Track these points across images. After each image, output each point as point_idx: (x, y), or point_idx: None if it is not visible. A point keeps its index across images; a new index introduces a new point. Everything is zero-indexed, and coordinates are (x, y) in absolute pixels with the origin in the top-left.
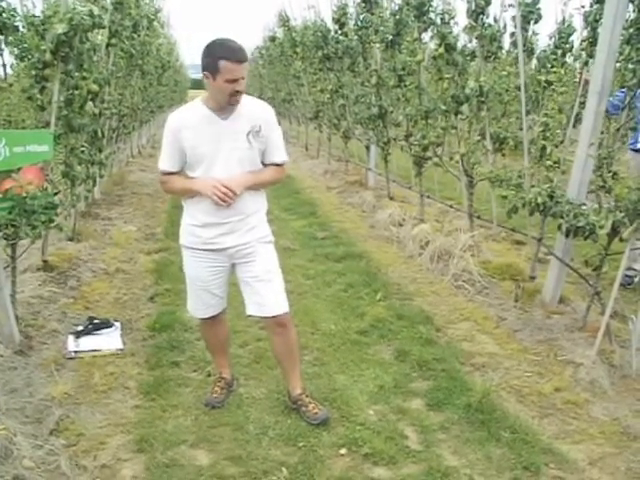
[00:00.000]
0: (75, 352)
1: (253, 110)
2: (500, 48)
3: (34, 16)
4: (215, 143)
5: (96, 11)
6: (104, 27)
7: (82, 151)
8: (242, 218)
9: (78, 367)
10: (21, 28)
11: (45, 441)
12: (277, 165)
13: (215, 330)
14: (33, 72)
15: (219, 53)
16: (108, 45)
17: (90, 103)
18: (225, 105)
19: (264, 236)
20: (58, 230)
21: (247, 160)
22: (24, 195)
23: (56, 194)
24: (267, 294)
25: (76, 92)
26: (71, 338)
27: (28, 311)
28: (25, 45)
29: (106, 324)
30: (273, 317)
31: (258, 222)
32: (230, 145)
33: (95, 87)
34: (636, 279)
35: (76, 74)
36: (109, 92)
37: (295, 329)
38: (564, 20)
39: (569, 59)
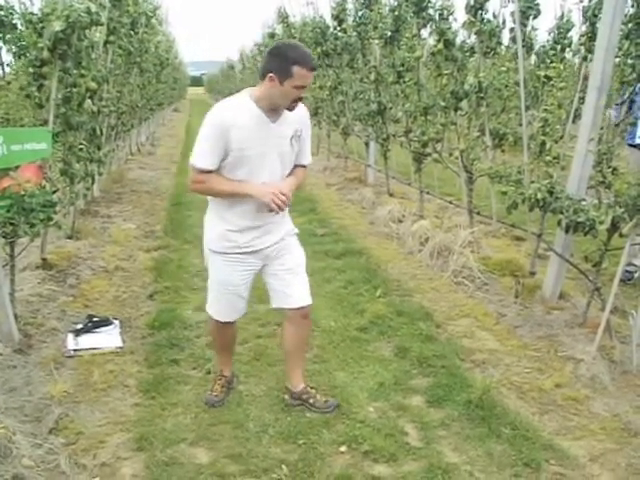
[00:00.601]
0: (74, 350)
1: (296, 114)
2: (499, 44)
3: (32, 14)
4: (262, 146)
5: (94, 8)
6: (102, 24)
7: (80, 149)
8: (278, 219)
9: (77, 365)
10: (19, 26)
11: (44, 440)
12: (304, 167)
13: (227, 331)
14: (31, 70)
15: (293, 58)
16: (106, 42)
17: (88, 101)
18: (281, 109)
19: (291, 229)
20: (57, 228)
21: (288, 163)
22: (22, 193)
23: (55, 192)
24: (296, 286)
25: (74, 90)
26: (70, 336)
27: (27, 309)
28: (23, 43)
29: (105, 322)
30: (299, 308)
31: (285, 216)
32: (277, 149)
33: (93, 85)
34: (636, 275)
35: (74, 72)
36: (107, 90)
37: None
38: (563, 15)
39: (568, 54)
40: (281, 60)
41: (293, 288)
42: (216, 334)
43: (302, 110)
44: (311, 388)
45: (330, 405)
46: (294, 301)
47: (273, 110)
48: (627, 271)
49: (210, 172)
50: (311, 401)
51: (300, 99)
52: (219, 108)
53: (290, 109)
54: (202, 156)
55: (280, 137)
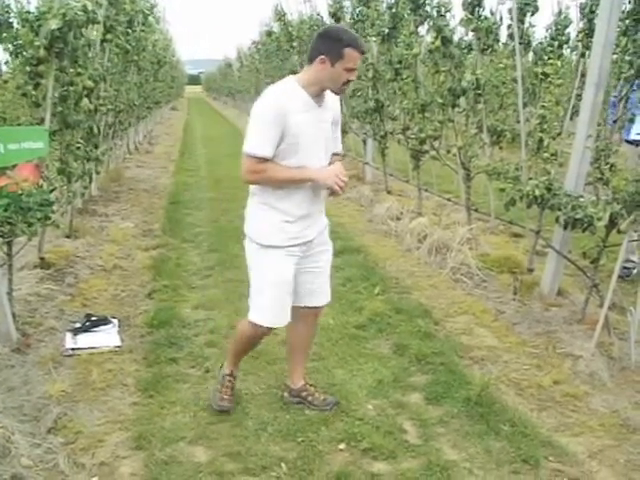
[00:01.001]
0: (73, 349)
1: (332, 100)
2: (497, 41)
3: (28, 12)
4: (313, 132)
5: (90, 6)
6: (98, 22)
7: (78, 147)
8: (322, 208)
9: (76, 364)
10: (15, 24)
11: (43, 439)
12: (337, 154)
13: (265, 337)
14: (27, 68)
15: (345, 40)
16: (103, 41)
17: (85, 99)
18: (329, 92)
19: (326, 224)
20: (54, 227)
21: (330, 150)
22: (20, 192)
23: (52, 191)
24: (322, 284)
25: (71, 88)
26: (69, 335)
27: (25, 309)
28: (19, 41)
29: (104, 321)
30: (319, 307)
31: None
32: (323, 135)
33: (90, 83)
34: (634, 271)
35: (71, 70)
36: (105, 88)
37: None
38: (560, 12)
39: (566, 51)
40: (333, 42)
41: (320, 286)
42: (250, 342)
43: (336, 97)
44: (310, 385)
45: (329, 403)
46: (317, 300)
47: (318, 96)
48: (625, 267)
49: (267, 160)
50: (310, 399)
51: (349, 82)
52: (272, 94)
53: (338, 92)
54: (261, 144)
55: (324, 121)
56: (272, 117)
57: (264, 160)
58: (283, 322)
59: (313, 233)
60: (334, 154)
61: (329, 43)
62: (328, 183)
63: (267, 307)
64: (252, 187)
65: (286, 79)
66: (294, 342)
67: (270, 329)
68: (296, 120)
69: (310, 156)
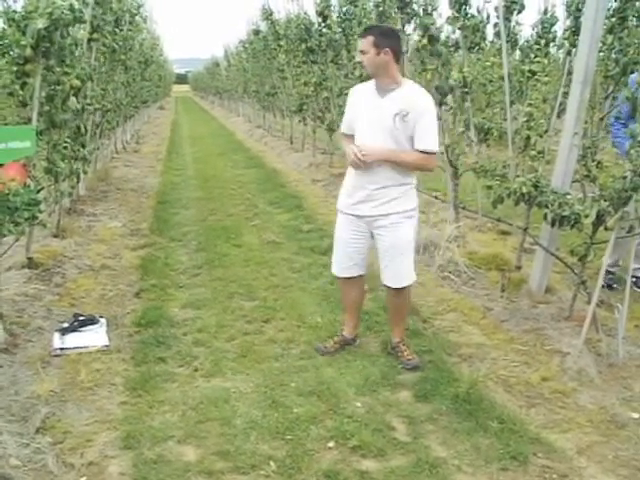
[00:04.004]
0: (61, 349)
1: (405, 95)
2: (483, 39)
3: (14, 11)
4: (369, 116)
5: (77, 5)
6: (85, 22)
7: (65, 147)
8: (378, 188)
9: (64, 364)
10: (1, 23)
11: (31, 439)
12: (423, 152)
13: (346, 289)
14: (14, 68)
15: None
16: (90, 40)
17: (73, 98)
18: (388, 85)
19: (405, 210)
20: (42, 227)
21: (394, 138)
22: (6, 192)
23: (39, 190)
24: (389, 267)
25: (58, 87)
26: (57, 335)
27: (13, 309)
28: (5, 41)
29: (92, 321)
30: (388, 287)
31: (402, 195)
32: (380, 122)
33: (77, 82)
34: None
35: (58, 69)
36: (92, 87)
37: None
38: (547, 10)
39: (552, 49)
40: None
41: (387, 268)
42: (340, 289)
43: (415, 93)
44: (403, 344)
45: (410, 364)
46: (385, 279)
47: (381, 87)
48: (635, 276)
49: (346, 136)
50: (399, 354)
51: (361, 63)
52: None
53: (368, 74)
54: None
55: (383, 110)
56: (348, 102)
57: (344, 135)
58: (341, 272)
59: (368, 211)
60: (419, 151)
61: None
62: (346, 152)
63: (334, 254)
64: None
65: None
66: (387, 305)
67: (341, 279)
68: (358, 106)
69: (363, 135)
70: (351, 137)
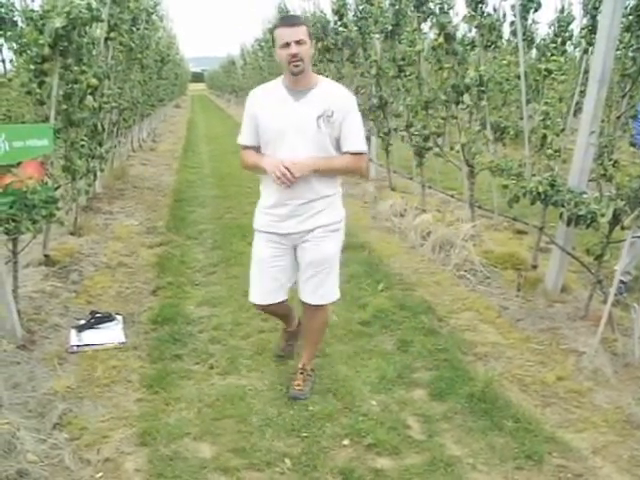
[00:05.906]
0: (77, 346)
1: (328, 95)
2: (500, 37)
3: (32, 10)
4: (283, 124)
5: (94, 4)
6: (102, 20)
7: (82, 145)
8: (302, 203)
9: (80, 361)
10: (19, 23)
11: (48, 435)
12: (353, 154)
13: (277, 310)
14: (32, 67)
15: (276, 24)
16: (107, 39)
17: (90, 97)
18: (290, 77)
19: (329, 223)
20: (59, 224)
21: (316, 144)
22: (24, 189)
23: (57, 188)
24: (309, 282)
25: (75, 86)
26: (73, 332)
27: (30, 306)
28: (24, 40)
29: (108, 318)
30: (307, 304)
31: (325, 208)
32: (297, 128)
33: (94, 81)
34: None
35: (75, 68)
36: (109, 86)
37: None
38: (563, 8)
39: (569, 47)
40: (271, 33)
41: (308, 282)
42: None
43: (336, 93)
44: (302, 373)
45: (291, 392)
46: (304, 294)
47: (296, 89)
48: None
49: (248, 147)
50: (292, 379)
51: (295, 57)
52: (251, 92)
53: (294, 73)
54: (241, 133)
55: (301, 116)
56: (247, 111)
57: (244, 147)
58: (260, 299)
59: (291, 227)
60: (350, 153)
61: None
62: (269, 170)
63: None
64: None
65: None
66: (302, 327)
67: (261, 307)
68: (264, 115)
69: (279, 147)
70: (255, 149)
